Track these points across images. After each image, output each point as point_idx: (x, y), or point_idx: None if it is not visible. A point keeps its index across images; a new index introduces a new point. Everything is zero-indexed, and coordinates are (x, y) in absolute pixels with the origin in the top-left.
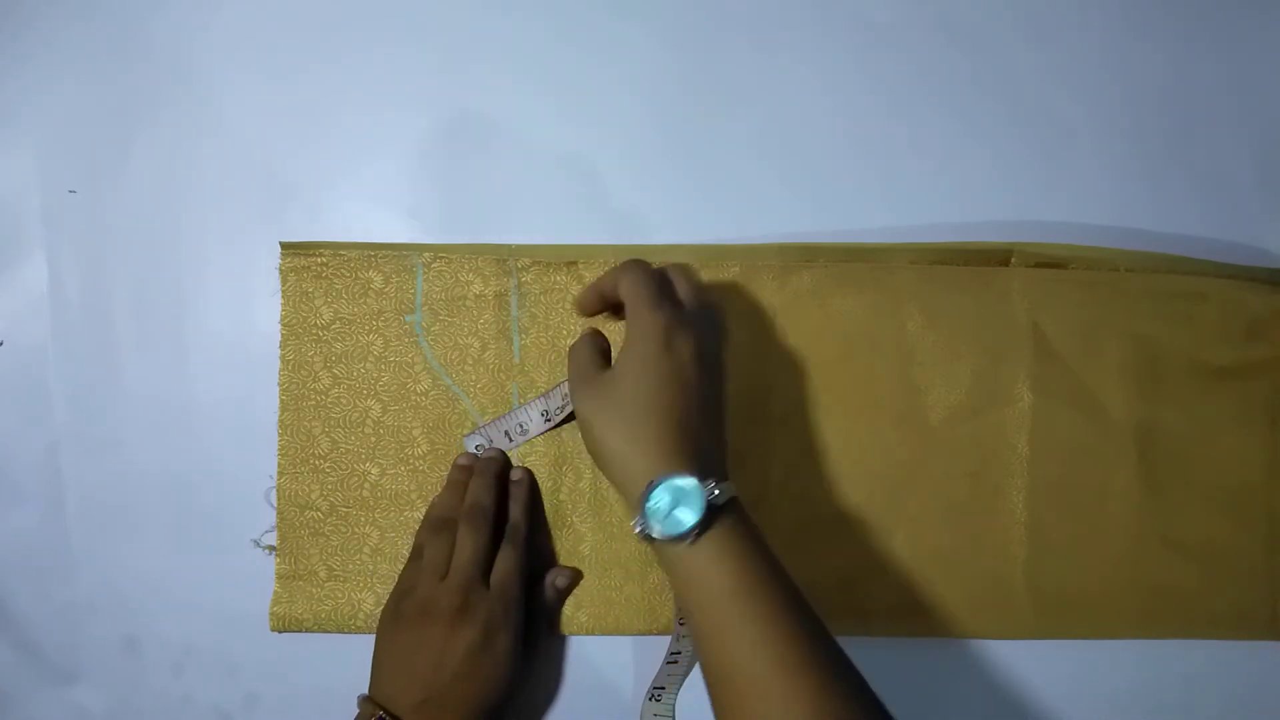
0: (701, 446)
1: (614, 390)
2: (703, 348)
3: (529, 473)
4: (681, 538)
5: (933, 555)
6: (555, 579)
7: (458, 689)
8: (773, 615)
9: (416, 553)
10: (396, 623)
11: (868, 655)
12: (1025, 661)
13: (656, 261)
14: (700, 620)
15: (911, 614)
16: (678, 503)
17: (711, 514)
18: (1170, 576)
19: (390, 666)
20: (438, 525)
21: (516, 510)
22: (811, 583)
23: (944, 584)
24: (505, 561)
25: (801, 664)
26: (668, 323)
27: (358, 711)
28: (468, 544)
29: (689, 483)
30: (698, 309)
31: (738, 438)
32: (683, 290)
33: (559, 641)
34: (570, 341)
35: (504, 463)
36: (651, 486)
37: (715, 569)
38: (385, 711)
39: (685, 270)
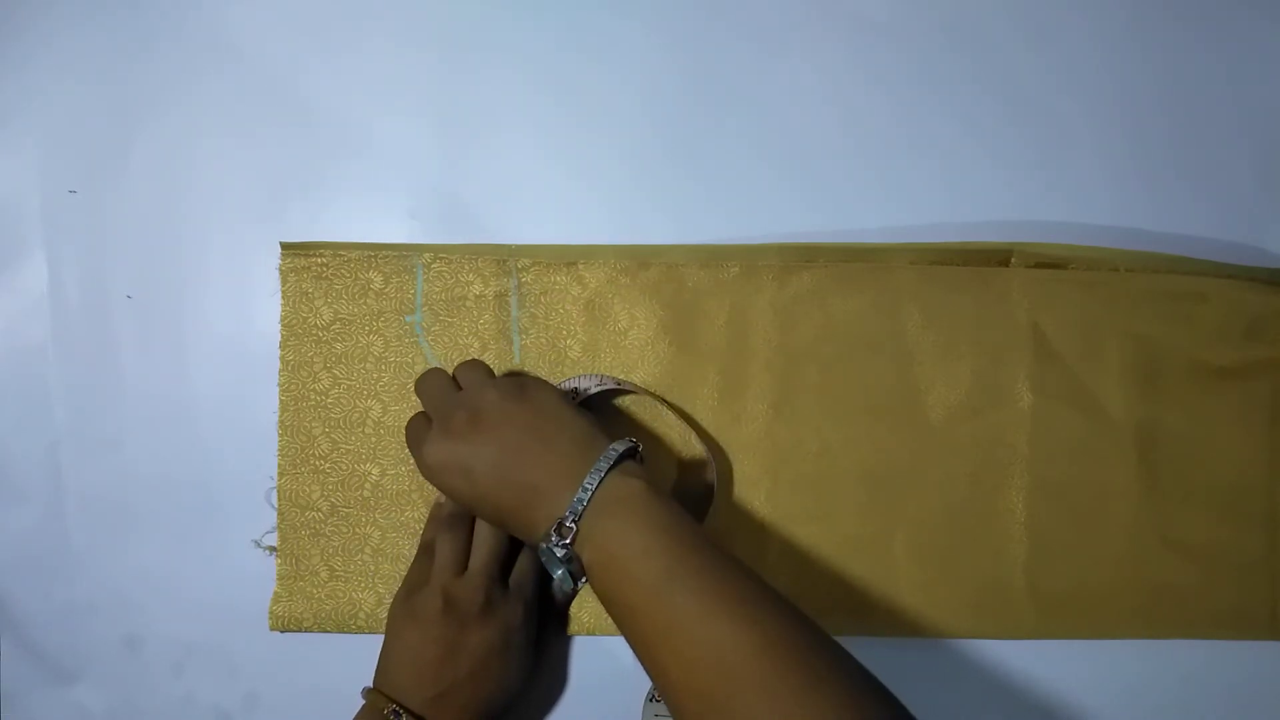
0: (541, 487)
1: (454, 480)
2: (472, 415)
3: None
4: (576, 587)
5: (932, 555)
6: (562, 581)
7: (471, 687)
8: (657, 579)
9: (426, 549)
10: (410, 616)
11: (868, 655)
12: (1025, 661)
13: (656, 261)
14: (614, 613)
15: (911, 614)
16: (553, 563)
17: (569, 557)
18: (1170, 576)
19: (401, 660)
20: (451, 521)
21: None
22: (811, 582)
23: (944, 584)
24: (525, 563)
25: (695, 611)
26: (464, 411)
27: (362, 704)
28: (489, 541)
29: (546, 549)
30: (477, 382)
31: (738, 437)
32: (461, 376)
33: (562, 641)
34: (570, 342)
35: None
36: (540, 558)
37: (604, 570)
38: (398, 705)
39: (469, 363)
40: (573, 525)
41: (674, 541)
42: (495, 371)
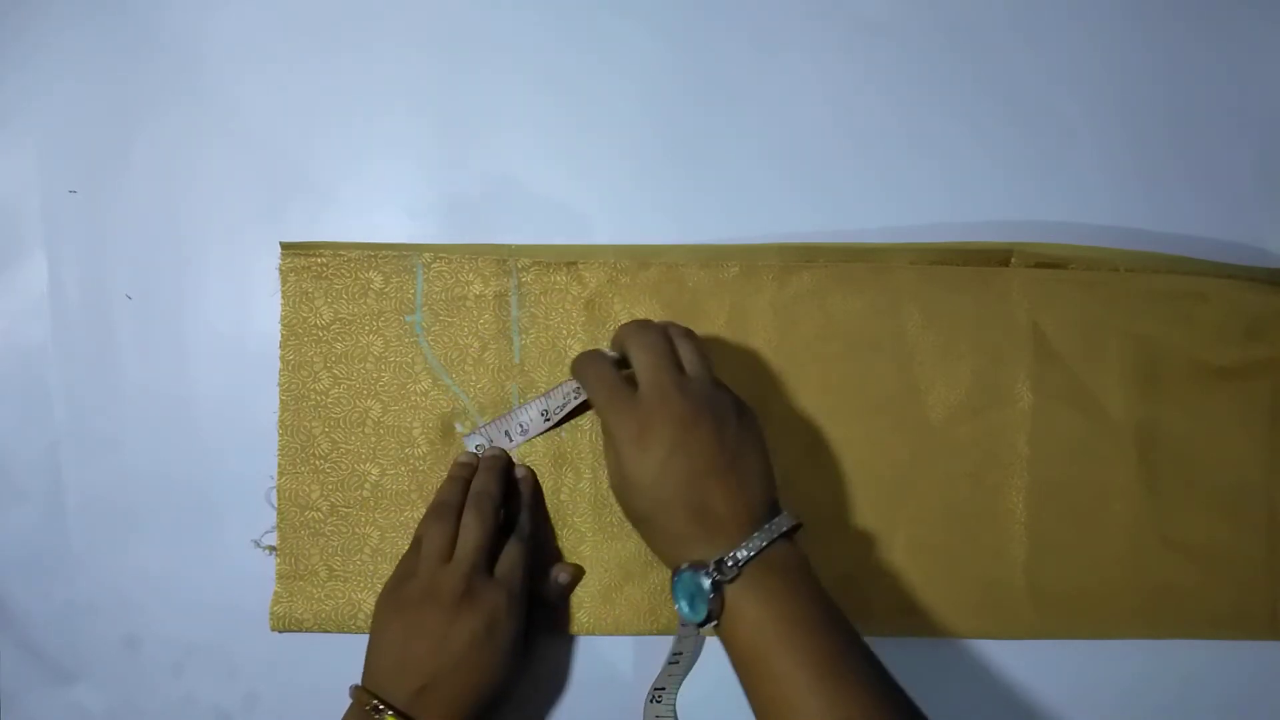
0: (721, 519)
1: (643, 460)
2: (700, 410)
3: (533, 471)
4: (703, 624)
5: (933, 555)
6: (558, 574)
7: (457, 677)
8: (819, 658)
9: (416, 543)
10: (396, 607)
11: None
12: (1025, 661)
13: (656, 261)
14: (748, 673)
15: (911, 614)
16: (691, 595)
17: (720, 593)
18: (1170, 576)
19: (387, 653)
20: (439, 512)
21: (524, 505)
22: None
23: (944, 584)
24: (511, 554)
25: (855, 706)
26: (688, 400)
27: (350, 703)
28: (474, 530)
29: (694, 578)
30: (704, 376)
31: None
32: (686, 355)
33: (561, 641)
34: (570, 342)
35: (508, 458)
36: (675, 577)
37: (749, 624)
38: (380, 700)
39: (686, 334)
40: (735, 568)
41: (833, 627)
42: (495, 371)
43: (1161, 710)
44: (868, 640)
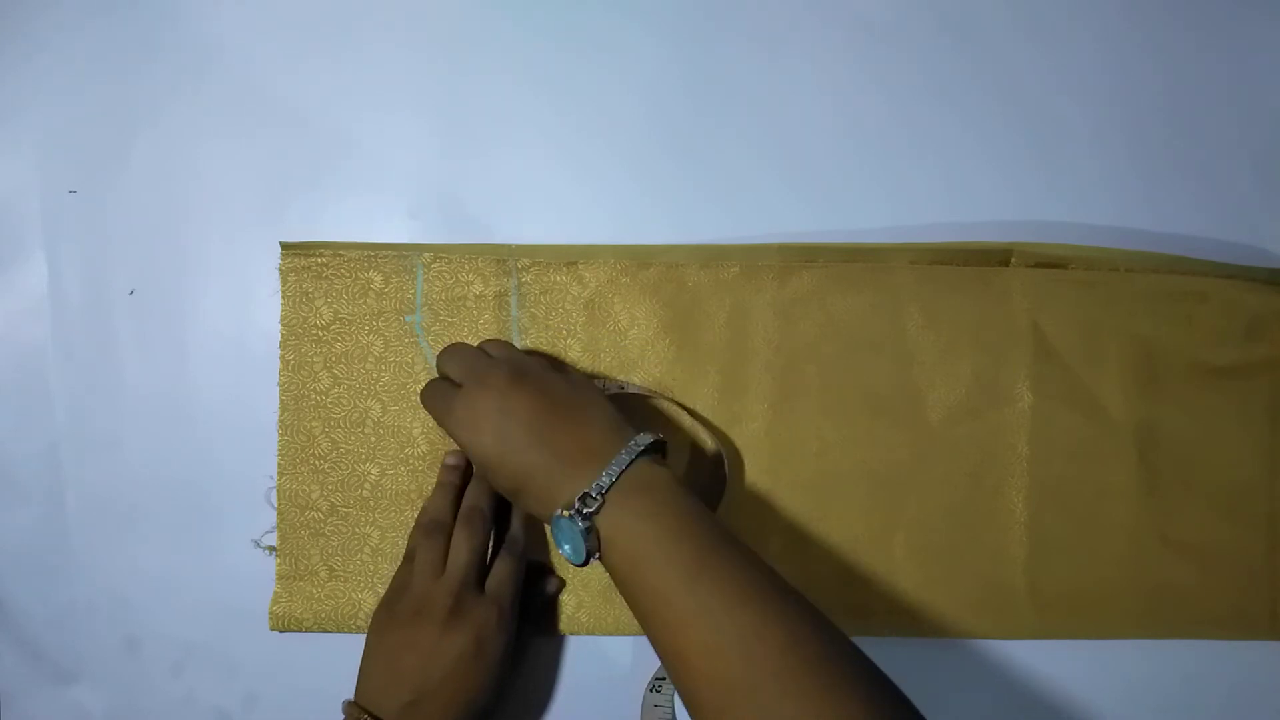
0: (574, 458)
1: (482, 439)
2: (514, 375)
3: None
4: (585, 562)
5: (933, 555)
6: (546, 585)
7: (445, 693)
8: (687, 561)
9: (409, 555)
10: (388, 622)
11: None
12: (1025, 661)
13: (656, 261)
14: (629, 594)
15: (911, 614)
16: (571, 538)
17: (592, 527)
18: (1170, 576)
19: (378, 667)
20: (431, 528)
21: (516, 521)
22: (811, 582)
23: (944, 584)
24: (503, 569)
25: (723, 599)
26: (499, 372)
27: (342, 718)
28: (464, 546)
29: (565, 522)
30: (510, 354)
31: (738, 437)
32: (492, 349)
33: (558, 641)
34: (570, 342)
35: None
36: (552, 528)
37: (624, 547)
38: (371, 716)
39: (494, 339)
40: (598, 499)
41: (703, 530)
42: None
43: (1161, 710)
44: (868, 640)
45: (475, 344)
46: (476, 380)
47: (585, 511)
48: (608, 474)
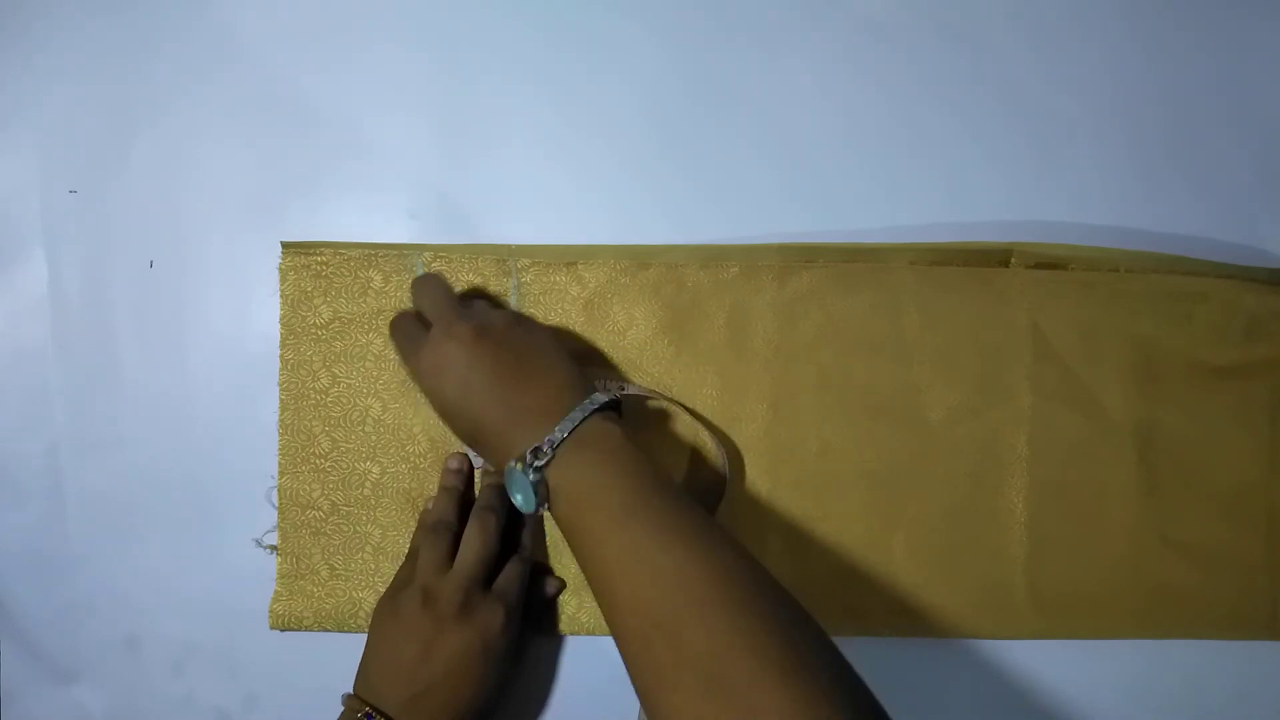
0: (531, 411)
1: (445, 384)
2: (481, 328)
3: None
4: (536, 510)
5: (933, 555)
6: (546, 587)
7: (447, 689)
8: (623, 510)
9: (413, 554)
10: (392, 615)
11: (868, 655)
12: (1025, 661)
13: (656, 261)
14: (572, 543)
15: (911, 614)
16: (522, 488)
17: (542, 477)
18: (1170, 576)
19: (380, 660)
20: (436, 526)
21: (526, 532)
22: (811, 582)
23: (944, 584)
24: (512, 572)
25: (650, 544)
26: (469, 321)
27: (342, 710)
28: (475, 543)
29: (517, 471)
30: (482, 305)
31: (738, 437)
32: (464, 301)
33: (558, 641)
34: (570, 341)
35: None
36: (506, 476)
37: (570, 499)
38: (371, 708)
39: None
40: (549, 451)
41: (641, 480)
42: None
43: (1161, 710)
44: (867, 640)
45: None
46: (444, 329)
47: (536, 465)
48: (560, 429)
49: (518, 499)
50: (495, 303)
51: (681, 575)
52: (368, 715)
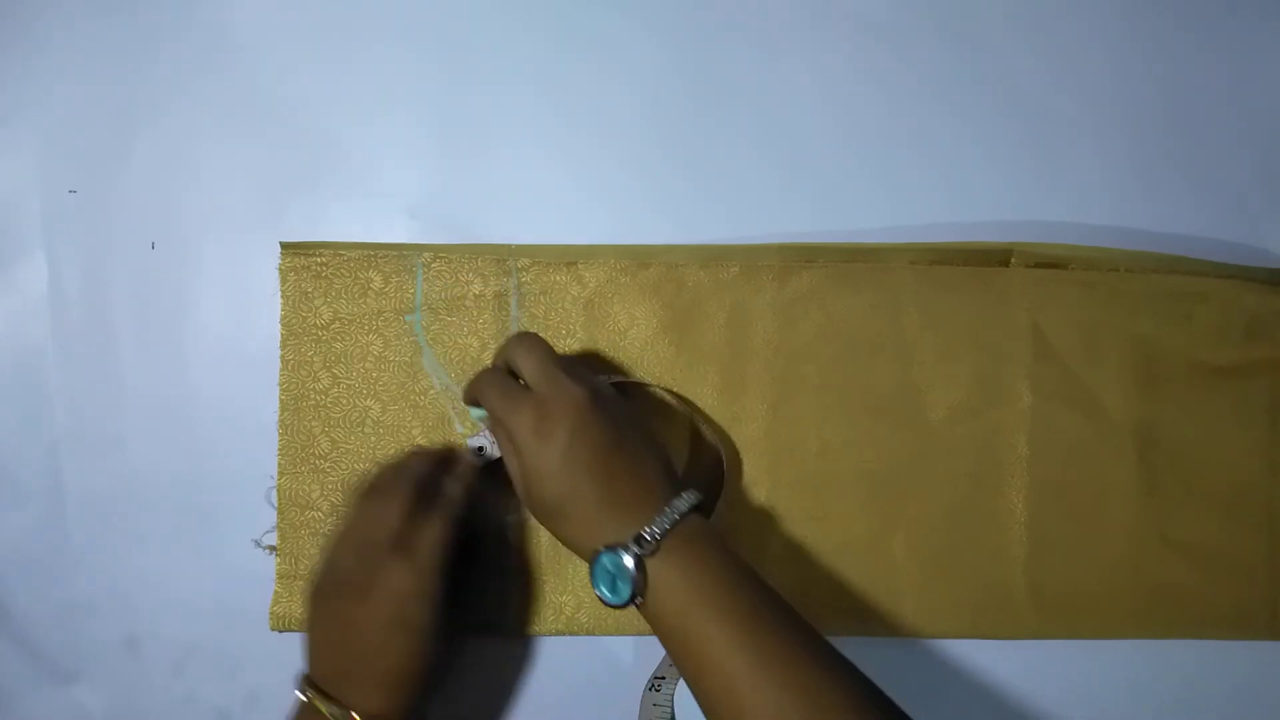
0: (630, 497)
1: (547, 449)
2: (594, 397)
3: (485, 454)
4: (625, 604)
5: (933, 555)
6: (507, 514)
7: (372, 666)
8: (743, 615)
9: (340, 523)
10: (314, 596)
11: (868, 655)
12: (1025, 661)
13: (656, 261)
14: (677, 645)
15: (911, 614)
16: (612, 577)
17: (642, 569)
18: (1170, 576)
19: (315, 639)
20: (363, 492)
21: (454, 485)
22: (811, 582)
23: (944, 584)
24: (429, 532)
25: (783, 655)
26: (581, 387)
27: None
28: (379, 513)
29: (614, 558)
30: (583, 371)
31: (738, 437)
32: (530, 372)
33: (558, 642)
34: (570, 342)
35: (454, 449)
36: (593, 562)
37: (673, 596)
38: (314, 689)
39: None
40: (653, 541)
41: (754, 587)
42: None
43: (1161, 710)
44: (868, 640)
45: (477, 346)
46: (556, 389)
47: (638, 552)
48: (663, 518)
49: (602, 589)
50: (594, 370)
51: (820, 700)
52: (302, 689)
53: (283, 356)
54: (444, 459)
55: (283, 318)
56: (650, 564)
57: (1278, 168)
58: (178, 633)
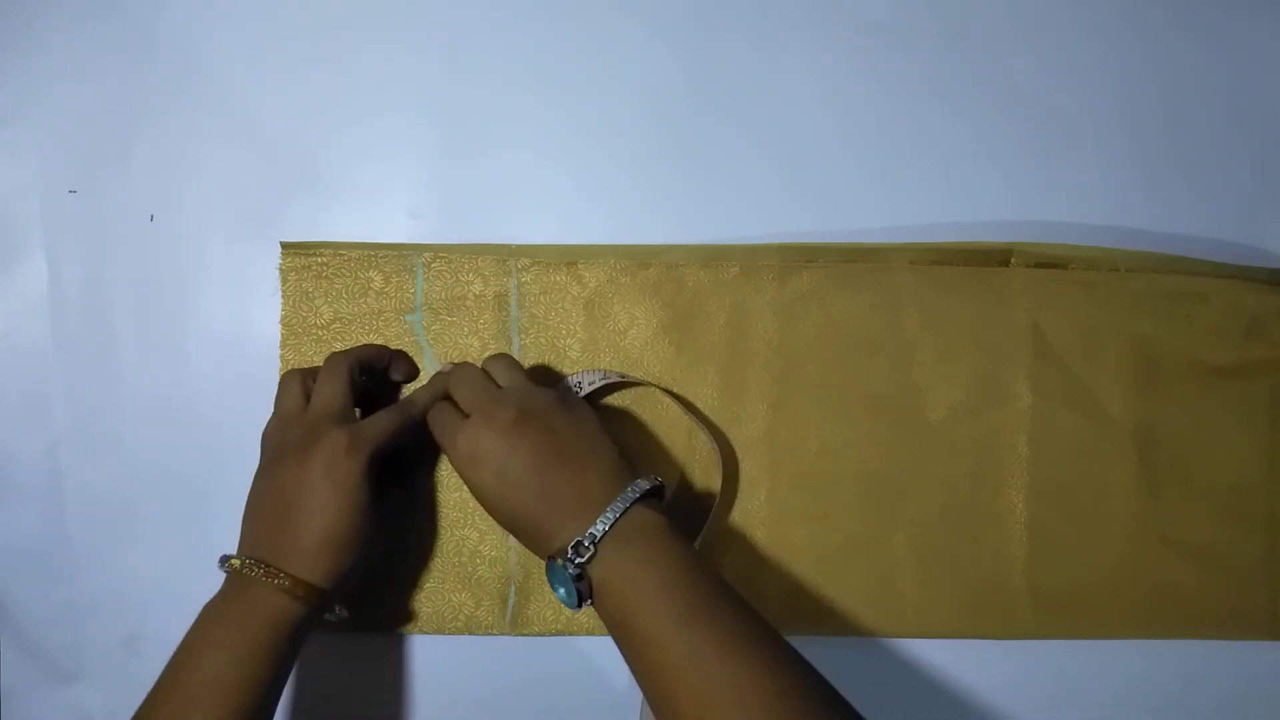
0: (571, 504)
1: (482, 476)
2: (520, 414)
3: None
4: (579, 607)
5: (933, 555)
6: (393, 371)
7: (301, 523)
8: (679, 613)
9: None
10: (256, 476)
11: (868, 655)
12: (1025, 661)
13: (656, 261)
14: (622, 644)
15: (911, 614)
16: (564, 583)
17: (583, 575)
18: (1170, 576)
19: (246, 517)
20: (289, 375)
21: (423, 392)
22: (811, 582)
23: (944, 584)
24: (382, 418)
25: (718, 649)
26: (507, 408)
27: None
28: (323, 388)
29: (558, 567)
30: (519, 384)
31: (738, 437)
32: (500, 374)
33: (558, 641)
34: (570, 342)
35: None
36: (547, 571)
37: (614, 597)
38: (230, 557)
39: (498, 355)
40: (590, 547)
41: (695, 578)
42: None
43: (1161, 710)
44: (868, 640)
45: (478, 346)
46: (482, 415)
47: (577, 560)
48: (602, 521)
49: (560, 593)
50: (536, 382)
51: (751, 688)
52: (224, 558)
53: (283, 356)
54: (406, 361)
55: (283, 317)
56: (594, 568)
57: (1278, 168)
58: (178, 633)
